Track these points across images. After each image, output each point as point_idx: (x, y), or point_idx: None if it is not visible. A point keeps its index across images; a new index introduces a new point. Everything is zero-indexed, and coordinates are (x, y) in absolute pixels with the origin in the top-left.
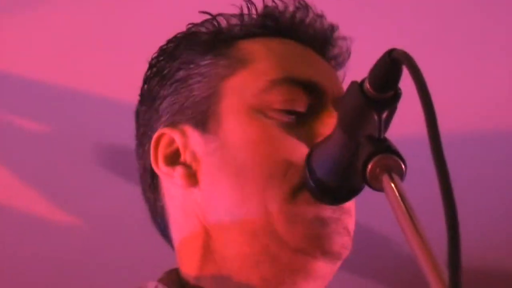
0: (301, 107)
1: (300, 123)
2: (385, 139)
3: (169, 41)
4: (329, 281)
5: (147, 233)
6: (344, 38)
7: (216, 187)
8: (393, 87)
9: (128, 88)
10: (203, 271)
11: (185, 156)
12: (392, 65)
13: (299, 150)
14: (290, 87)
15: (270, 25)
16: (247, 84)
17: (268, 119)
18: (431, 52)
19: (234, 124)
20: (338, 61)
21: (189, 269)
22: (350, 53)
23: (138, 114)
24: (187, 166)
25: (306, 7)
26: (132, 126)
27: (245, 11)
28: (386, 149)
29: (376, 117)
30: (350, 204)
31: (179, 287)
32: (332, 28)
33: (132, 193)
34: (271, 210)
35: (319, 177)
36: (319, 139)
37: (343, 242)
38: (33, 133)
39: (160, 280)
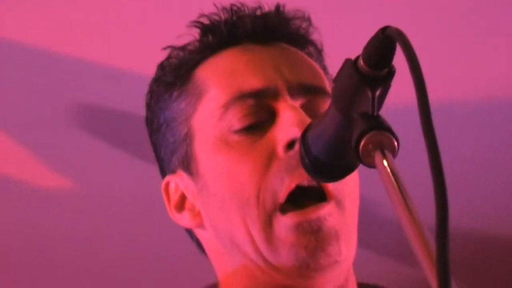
0: (259, 115)
1: (262, 134)
2: (378, 116)
3: (148, 90)
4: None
5: (138, 198)
6: (299, 14)
7: (213, 222)
8: (387, 65)
9: (119, 53)
10: None
11: (189, 199)
12: (385, 42)
13: (264, 169)
14: (240, 104)
15: (212, 42)
16: (206, 117)
17: (230, 147)
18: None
19: (206, 160)
20: (298, 37)
21: None
22: (309, 23)
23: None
24: (191, 208)
25: (240, 6)
26: (133, 94)
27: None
28: (379, 125)
29: (369, 94)
30: (331, 206)
31: None
32: (278, 10)
33: (125, 162)
34: (255, 238)
35: (314, 155)
36: (279, 145)
37: (329, 252)
38: (33, 99)
39: None
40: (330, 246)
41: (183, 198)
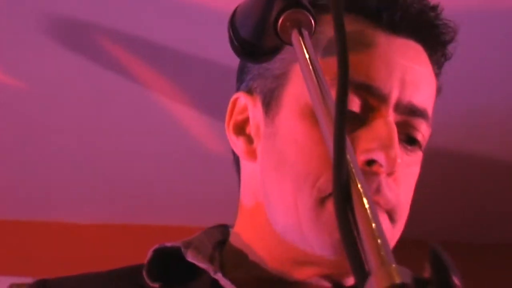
0: (358, 108)
1: (349, 128)
2: None
3: None
4: None
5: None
6: (452, 24)
7: (265, 172)
8: None
9: None
10: (251, 241)
11: (251, 128)
12: None
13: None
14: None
15: (359, 5)
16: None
17: (316, 123)
18: None
19: (288, 118)
20: (437, 43)
21: (240, 233)
22: (454, 37)
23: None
24: (249, 139)
25: None
26: None
27: None
28: (297, 4)
29: None
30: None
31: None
32: (435, 8)
33: (76, 64)
34: (301, 213)
35: (242, 36)
36: (359, 156)
37: None
38: None
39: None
40: None
41: (245, 122)
